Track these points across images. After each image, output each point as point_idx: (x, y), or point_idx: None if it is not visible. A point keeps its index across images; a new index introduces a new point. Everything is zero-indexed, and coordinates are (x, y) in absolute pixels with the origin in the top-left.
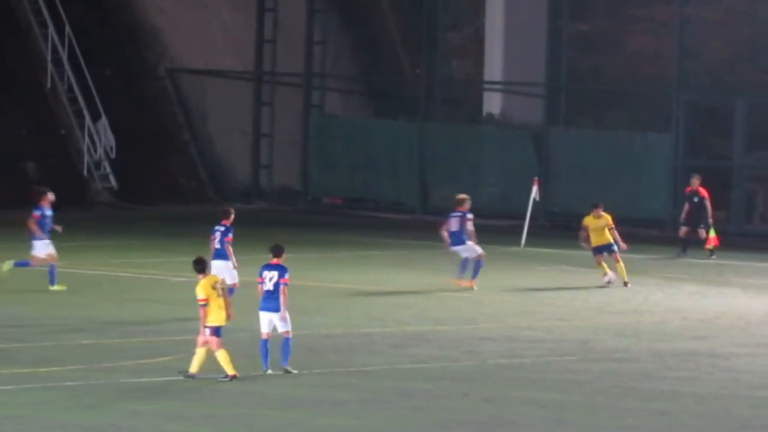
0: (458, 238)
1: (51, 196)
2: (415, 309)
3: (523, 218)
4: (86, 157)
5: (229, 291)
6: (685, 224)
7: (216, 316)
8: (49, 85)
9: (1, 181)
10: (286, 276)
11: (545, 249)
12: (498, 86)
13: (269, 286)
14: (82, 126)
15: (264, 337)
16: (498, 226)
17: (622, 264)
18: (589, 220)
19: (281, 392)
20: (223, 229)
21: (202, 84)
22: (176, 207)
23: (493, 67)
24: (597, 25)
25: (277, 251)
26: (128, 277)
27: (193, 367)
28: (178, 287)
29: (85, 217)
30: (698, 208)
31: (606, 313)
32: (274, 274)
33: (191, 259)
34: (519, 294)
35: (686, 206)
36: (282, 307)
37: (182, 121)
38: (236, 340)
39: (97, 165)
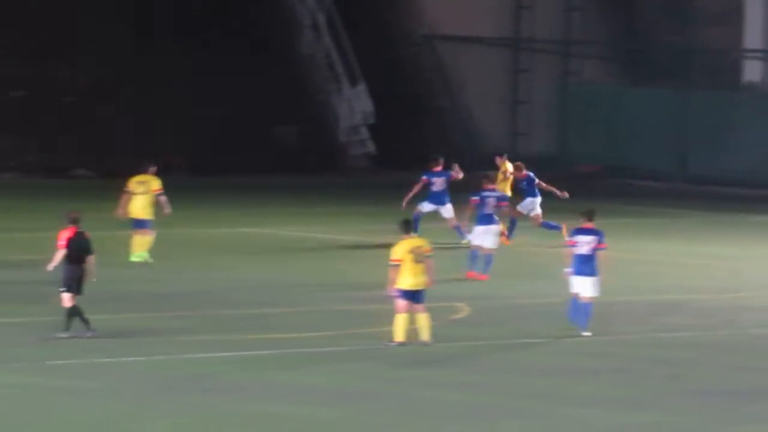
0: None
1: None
2: (671, 278)
3: None
4: (343, 123)
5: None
6: None
7: (407, 279)
8: (306, 50)
9: (258, 147)
10: (604, 241)
11: None
12: (758, 54)
13: (584, 250)
14: (339, 92)
15: (575, 299)
16: (758, 195)
17: None
18: None
19: (539, 360)
20: (498, 194)
21: (459, 50)
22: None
23: (753, 35)
24: None
25: (591, 215)
26: (386, 244)
27: (398, 336)
28: (435, 254)
29: (341, 183)
30: None
31: None
32: (591, 238)
33: (447, 226)
34: None
35: None
36: (598, 271)
37: (438, 87)
38: (491, 307)
39: (355, 130)
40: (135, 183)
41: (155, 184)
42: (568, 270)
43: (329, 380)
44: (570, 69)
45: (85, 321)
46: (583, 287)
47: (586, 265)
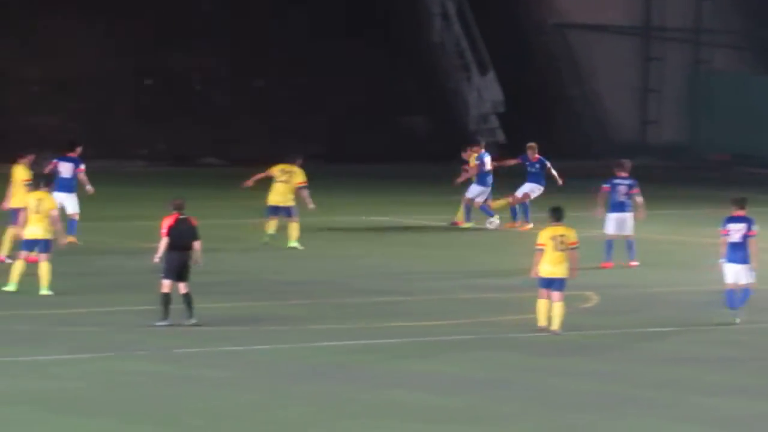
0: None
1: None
2: None
3: None
4: (473, 112)
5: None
6: None
7: (544, 267)
8: (436, 39)
9: (388, 135)
10: (754, 228)
11: None
12: None
13: (736, 237)
14: (469, 80)
15: (730, 287)
16: None
17: None
18: None
19: (670, 349)
20: (629, 182)
21: (590, 39)
22: (561, 162)
23: None
24: None
25: (742, 203)
26: (514, 231)
27: (540, 321)
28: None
29: None
30: None
31: None
32: (742, 226)
33: (578, 214)
34: None
35: None
36: (751, 259)
37: (568, 76)
38: (621, 296)
39: (484, 119)
40: (278, 171)
41: (299, 176)
42: (722, 260)
43: (459, 368)
44: (701, 57)
45: (190, 308)
46: (737, 275)
47: (737, 252)
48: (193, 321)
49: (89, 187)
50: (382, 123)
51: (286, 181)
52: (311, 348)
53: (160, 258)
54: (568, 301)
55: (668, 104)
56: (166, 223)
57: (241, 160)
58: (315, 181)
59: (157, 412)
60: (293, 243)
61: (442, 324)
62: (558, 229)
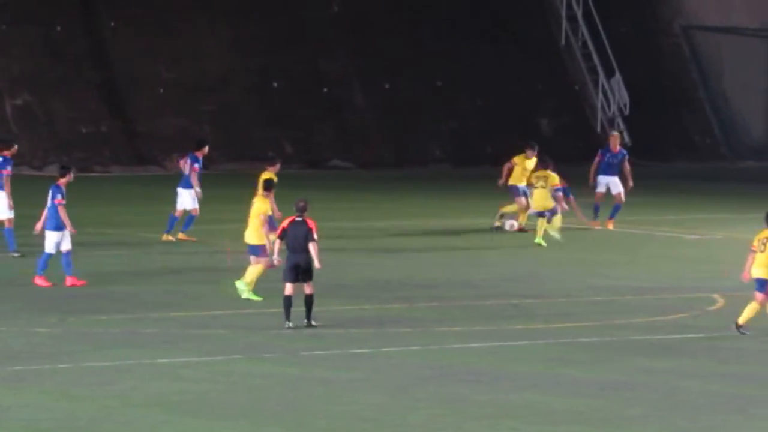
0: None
1: None
2: None
3: None
4: (600, 114)
5: None
6: None
7: (755, 269)
8: (563, 41)
9: (515, 135)
10: None
11: None
12: None
13: None
14: (595, 82)
15: None
16: None
17: None
18: None
19: None
20: None
21: (717, 40)
22: (690, 164)
23: None
24: None
25: None
26: (641, 234)
27: (741, 318)
28: (692, 245)
29: None
30: None
31: None
32: None
33: (708, 216)
34: None
35: None
36: None
37: (697, 78)
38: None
39: (611, 121)
40: (535, 177)
41: (554, 179)
42: None
43: (585, 370)
44: None
45: (308, 310)
46: None
47: None
48: (312, 323)
49: (198, 189)
50: (510, 125)
51: (542, 187)
52: (439, 350)
53: (277, 259)
54: (694, 303)
55: None
56: (282, 225)
57: (367, 162)
58: (440, 182)
59: (284, 414)
60: (554, 234)
61: (570, 326)
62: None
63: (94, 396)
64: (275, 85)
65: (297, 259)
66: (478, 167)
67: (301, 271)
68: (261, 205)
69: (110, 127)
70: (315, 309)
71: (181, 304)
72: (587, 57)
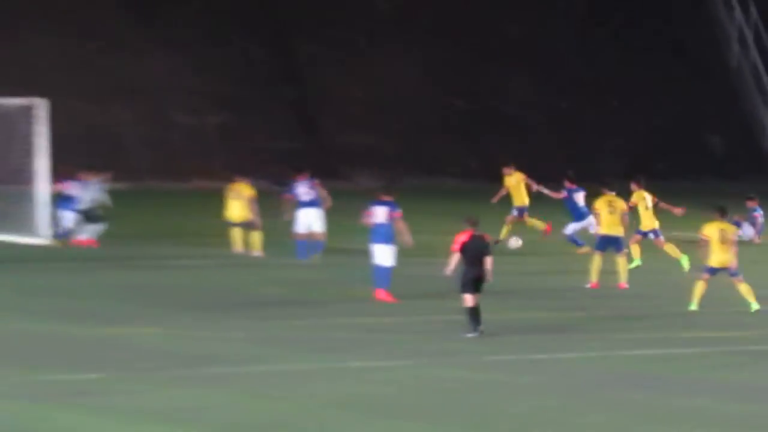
0: None
1: None
2: None
3: None
4: None
5: None
6: None
7: None
8: (734, 63)
9: (686, 153)
10: None
11: None
12: None
13: None
14: (765, 103)
15: None
16: None
17: None
18: None
19: None
20: None
21: None
22: None
23: None
24: None
25: None
26: None
27: None
28: None
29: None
30: None
31: None
32: None
33: None
34: None
35: None
36: None
37: None
38: None
39: None
40: (636, 196)
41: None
42: None
43: (752, 377)
44: None
45: (477, 321)
46: None
47: None
48: (475, 334)
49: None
50: (682, 142)
51: (645, 209)
52: (615, 357)
53: (452, 271)
54: None
55: None
56: (461, 239)
57: (543, 178)
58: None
59: (466, 416)
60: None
61: (737, 335)
62: None
63: (289, 397)
64: (458, 103)
65: (477, 272)
66: (651, 182)
67: (477, 284)
68: None
69: (303, 142)
70: (487, 317)
71: (373, 310)
72: (757, 78)
